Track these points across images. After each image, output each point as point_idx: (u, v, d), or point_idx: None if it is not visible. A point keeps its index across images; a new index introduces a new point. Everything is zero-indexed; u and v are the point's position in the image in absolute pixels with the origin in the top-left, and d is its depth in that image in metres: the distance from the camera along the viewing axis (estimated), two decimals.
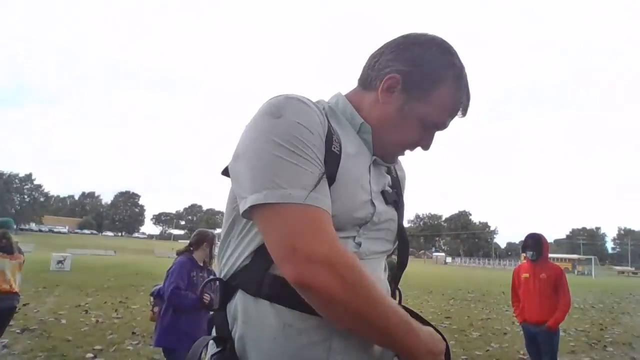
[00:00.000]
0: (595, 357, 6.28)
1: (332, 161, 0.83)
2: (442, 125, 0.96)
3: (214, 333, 0.90)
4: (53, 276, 14.22)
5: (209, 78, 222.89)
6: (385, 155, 0.97)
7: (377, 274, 0.92)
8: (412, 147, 0.98)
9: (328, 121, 0.87)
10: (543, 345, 4.09)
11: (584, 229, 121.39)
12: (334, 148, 0.84)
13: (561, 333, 4.39)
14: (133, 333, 6.41)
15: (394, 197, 0.99)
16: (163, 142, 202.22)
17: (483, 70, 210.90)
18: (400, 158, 1.10)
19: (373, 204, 0.90)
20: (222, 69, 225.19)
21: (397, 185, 1.05)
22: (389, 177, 1.02)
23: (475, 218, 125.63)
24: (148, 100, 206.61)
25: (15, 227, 4.36)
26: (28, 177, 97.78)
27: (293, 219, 0.74)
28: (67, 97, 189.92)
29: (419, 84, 0.91)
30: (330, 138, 0.84)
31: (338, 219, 0.81)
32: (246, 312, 0.82)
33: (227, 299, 0.86)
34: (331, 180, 0.82)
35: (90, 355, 5.15)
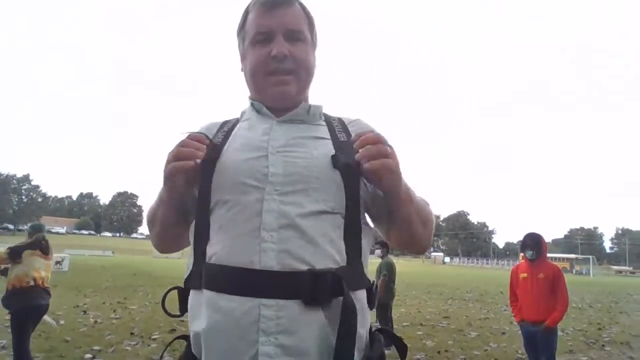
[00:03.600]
0: (593, 356, 6.29)
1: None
2: (263, 28, 1.01)
3: None
4: (51, 276, 14.15)
5: (210, 79, 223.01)
6: (265, 97, 1.04)
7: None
8: (265, 67, 1.00)
9: (220, 129, 1.07)
10: (541, 345, 4.10)
11: (581, 228, 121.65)
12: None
13: (559, 332, 4.41)
14: (131, 333, 6.40)
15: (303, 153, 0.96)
16: (161, 141, 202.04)
17: (483, 69, 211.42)
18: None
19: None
20: (222, 68, 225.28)
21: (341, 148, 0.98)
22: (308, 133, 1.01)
23: (474, 218, 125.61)
24: (146, 99, 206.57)
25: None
26: (26, 178, 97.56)
27: None
28: (65, 97, 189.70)
29: (238, 31, 1.09)
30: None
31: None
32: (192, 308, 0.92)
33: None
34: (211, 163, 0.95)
35: (88, 355, 5.15)
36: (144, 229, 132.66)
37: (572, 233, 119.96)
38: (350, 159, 0.90)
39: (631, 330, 8.69)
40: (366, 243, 0.96)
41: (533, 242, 4.23)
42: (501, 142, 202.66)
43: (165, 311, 0.98)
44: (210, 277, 0.87)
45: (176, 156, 0.90)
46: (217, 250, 0.88)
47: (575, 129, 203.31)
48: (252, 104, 1.07)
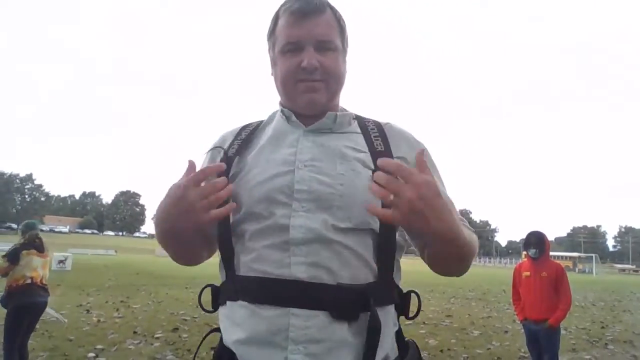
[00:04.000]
0: (596, 355, 6.28)
1: (229, 162, 1.00)
2: (293, 38, 0.99)
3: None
4: (54, 276, 14.08)
5: (210, 77, 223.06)
6: (296, 104, 1.02)
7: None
8: (295, 76, 0.99)
9: (236, 137, 1.08)
10: (544, 344, 4.09)
11: (584, 227, 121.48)
12: (231, 152, 1.03)
13: (562, 331, 4.39)
14: (134, 332, 6.41)
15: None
16: (164, 140, 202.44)
17: (483, 68, 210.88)
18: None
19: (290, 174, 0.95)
20: (223, 67, 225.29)
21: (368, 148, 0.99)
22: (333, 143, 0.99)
23: (476, 216, 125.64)
24: (149, 99, 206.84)
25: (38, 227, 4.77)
26: (29, 177, 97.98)
27: None
28: (67, 96, 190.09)
29: (269, 36, 1.07)
30: (228, 148, 1.05)
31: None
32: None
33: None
34: (234, 176, 0.99)
35: (91, 354, 5.16)
36: (146, 228, 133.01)
37: (575, 231, 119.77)
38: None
39: (634, 328, 8.67)
40: (399, 255, 0.97)
41: (536, 240, 4.21)
42: (503, 140, 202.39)
43: (202, 307, 1.03)
44: (242, 287, 0.91)
45: (189, 208, 0.87)
46: (246, 262, 0.92)
47: (578, 127, 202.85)
48: (282, 111, 1.06)
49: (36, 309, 4.28)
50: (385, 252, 0.92)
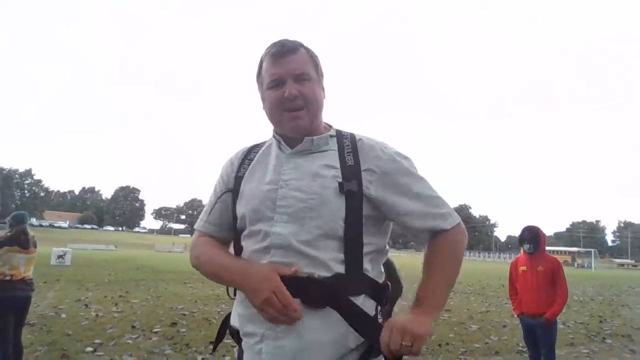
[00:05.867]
0: (594, 349, 6.29)
1: (237, 182, 1.30)
2: (275, 75, 1.22)
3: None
4: (53, 271, 14.22)
5: (209, 75, 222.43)
6: (284, 130, 1.26)
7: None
8: (281, 106, 1.22)
9: (244, 157, 1.35)
10: (541, 338, 4.10)
11: (584, 222, 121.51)
12: (240, 174, 1.31)
13: (560, 325, 4.40)
14: (133, 327, 6.42)
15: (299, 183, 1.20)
16: (163, 136, 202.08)
17: (483, 68, 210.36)
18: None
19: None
20: (222, 65, 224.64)
21: (348, 173, 1.20)
22: (315, 163, 1.22)
23: (476, 211, 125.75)
24: (146, 96, 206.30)
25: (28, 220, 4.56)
26: (28, 173, 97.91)
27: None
28: (66, 91, 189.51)
29: (257, 77, 1.31)
30: (238, 169, 1.33)
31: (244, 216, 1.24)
32: None
33: None
34: (236, 193, 1.28)
35: (90, 349, 5.16)
36: (146, 223, 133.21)
37: (574, 226, 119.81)
38: (357, 182, 1.17)
39: (632, 323, 8.69)
40: (373, 251, 1.20)
41: (531, 235, 4.21)
42: (503, 135, 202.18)
43: (229, 295, 1.27)
44: None
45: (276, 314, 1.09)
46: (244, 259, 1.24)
47: (577, 122, 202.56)
48: (274, 137, 1.32)
49: (18, 304, 4.17)
50: (353, 251, 1.15)
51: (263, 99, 1.29)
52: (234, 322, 1.24)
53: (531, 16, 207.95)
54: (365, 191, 1.16)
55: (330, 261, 1.12)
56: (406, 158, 1.27)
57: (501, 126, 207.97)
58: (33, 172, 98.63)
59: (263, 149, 1.34)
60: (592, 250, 55.11)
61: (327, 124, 1.33)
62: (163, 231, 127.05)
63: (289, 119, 1.22)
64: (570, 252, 55.59)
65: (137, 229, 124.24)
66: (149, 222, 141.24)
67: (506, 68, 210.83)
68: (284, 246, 1.13)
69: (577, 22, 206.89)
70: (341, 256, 1.13)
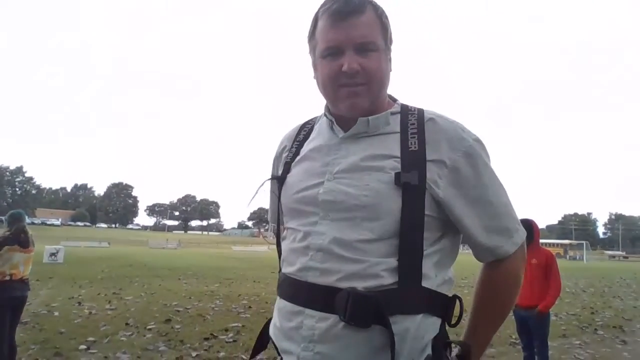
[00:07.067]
0: (586, 340, 6.35)
1: (285, 168, 1.11)
2: (332, 42, 0.98)
3: None
4: (46, 269, 14.11)
5: (202, 71, 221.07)
6: (339, 109, 1.03)
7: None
8: (336, 81, 0.99)
9: (295, 139, 1.16)
10: (534, 330, 4.13)
11: (575, 214, 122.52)
12: (287, 158, 1.13)
13: (553, 317, 4.43)
14: (127, 324, 6.39)
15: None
16: (156, 132, 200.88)
17: (483, 67, 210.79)
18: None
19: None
20: (214, 62, 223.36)
21: (409, 161, 0.96)
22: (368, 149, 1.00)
23: None
24: (141, 94, 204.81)
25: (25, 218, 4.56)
26: (19, 170, 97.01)
27: None
28: (59, 89, 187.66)
29: (309, 38, 1.06)
30: (287, 152, 1.15)
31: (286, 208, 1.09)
32: None
33: None
34: (282, 181, 1.10)
35: (83, 347, 5.13)
36: (139, 219, 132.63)
37: (566, 219, 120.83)
38: (418, 172, 0.93)
39: (624, 314, 8.78)
40: (437, 255, 0.98)
41: (525, 228, 4.21)
42: (496, 130, 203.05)
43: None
44: (279, 283, 1.08)
45: None
46: (282, 261, 1.09)
47: (570, 117, 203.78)
48: (325, 115, 1.10)
49: (16, 304, 4.20)
50: (410, 258, 0.93)
51: (315, 66, 1.06)
52: (272, 332, 1.05)
53: (534, 16, 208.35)
54: (431, 188, 0.94)
55: (380, 270, 0.91)
56: (484, 147, 1.05)
57: (494, 121, 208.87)
58: (24, 170, 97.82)
59: (316, 127, 1.14)
60: (584, 242, 55.47)
61: (391, 97, 1.09)
62: (157, 228, 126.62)
63: (345, 96, 0.98)
64: (562, 245, 55.97)
65: (130, 226, 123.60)
66: (143, 218, 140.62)
67: (503, 66, 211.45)
68: (325, 249, 0.94)
69: (574, 22, 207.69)
70: (394, 263, 0.91)
